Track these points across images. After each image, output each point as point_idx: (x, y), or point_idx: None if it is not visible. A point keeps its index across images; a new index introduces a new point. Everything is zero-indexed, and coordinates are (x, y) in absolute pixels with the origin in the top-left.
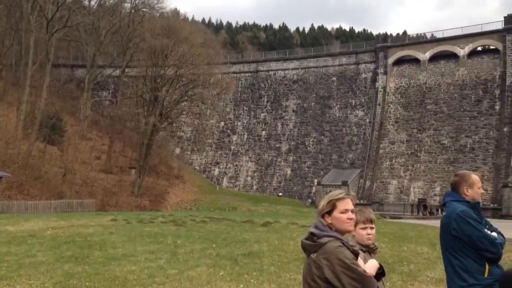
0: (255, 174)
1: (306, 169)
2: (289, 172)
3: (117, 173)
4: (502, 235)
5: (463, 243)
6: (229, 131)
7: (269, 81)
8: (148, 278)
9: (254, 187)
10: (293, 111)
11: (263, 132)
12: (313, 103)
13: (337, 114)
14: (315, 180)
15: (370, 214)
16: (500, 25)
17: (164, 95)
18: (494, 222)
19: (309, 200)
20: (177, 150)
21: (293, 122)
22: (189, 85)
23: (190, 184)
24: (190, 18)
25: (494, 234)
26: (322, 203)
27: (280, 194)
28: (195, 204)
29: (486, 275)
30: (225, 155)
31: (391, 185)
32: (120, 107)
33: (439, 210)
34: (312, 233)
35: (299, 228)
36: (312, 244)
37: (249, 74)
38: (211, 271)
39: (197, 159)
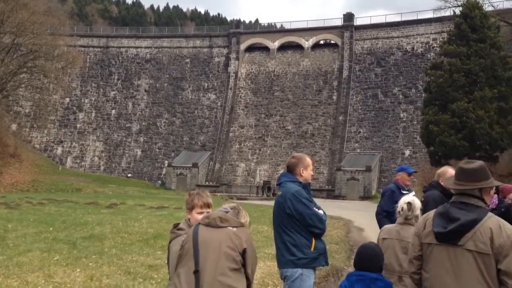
0: (103, 155)
1: (157, 150)
2: (139, 153)
3: None
4: (324, 212)
5: (295, 220)
6: (75, 108)
7: (120, 58)
8: None
9: (102, 167)
10: (145, 90)
11: (113, 111)
12: (166, 84)
13: (190, 96)
14: (166, 162)
15: (208, 198)
16: (340, 22)
17: None
18: (329, 202)
19: (159, 182)
20: (13, 127)
21: (145, 102)
22: (28, 56)
23: (28, 164)
24: None
25: (320, 211)
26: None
27: (130, 175)
28: (34, 185)
29: (312, 249)
30: (70, 134)
31: (239, 168)
32: None
33: None
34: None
35: (146, 209)
36: (236, 221)
37: (99, 49)
38: (44, 256)
39: (37, 137)
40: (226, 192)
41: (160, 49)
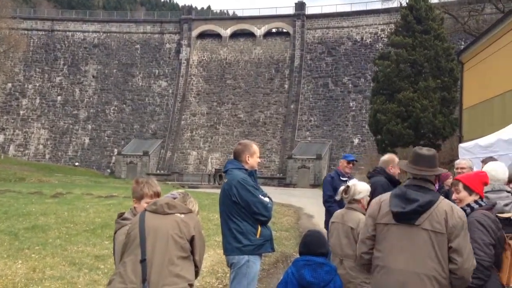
0: (48, 142)
1: (106, 138)
2: (87, 140)
3: None
4: (271, 200)
5: (241, 207)
6: (17, 94)
7: (66, 42)
8: None
9: (47, 156)
10: (93, 76)
11: (59, 97)
12: (115, 70)
13: (140, 83)
14: (115, 150)
15: (157, 187)
16: (291, 11)
17: None
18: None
19: (108, 170)
20: None
21: (92, 88)
22: None
23: None
24: None
25: (266, 199)
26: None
27: (77, 164)
28: None
29: (258, 236)
30: (12, 121)
31: (191, 156)
32: None
33: None
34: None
35: (94, 198)
36: (184, 207)
37: (43, 33)
38: None
39: None
40: (177, 181)
41: (108, 34)
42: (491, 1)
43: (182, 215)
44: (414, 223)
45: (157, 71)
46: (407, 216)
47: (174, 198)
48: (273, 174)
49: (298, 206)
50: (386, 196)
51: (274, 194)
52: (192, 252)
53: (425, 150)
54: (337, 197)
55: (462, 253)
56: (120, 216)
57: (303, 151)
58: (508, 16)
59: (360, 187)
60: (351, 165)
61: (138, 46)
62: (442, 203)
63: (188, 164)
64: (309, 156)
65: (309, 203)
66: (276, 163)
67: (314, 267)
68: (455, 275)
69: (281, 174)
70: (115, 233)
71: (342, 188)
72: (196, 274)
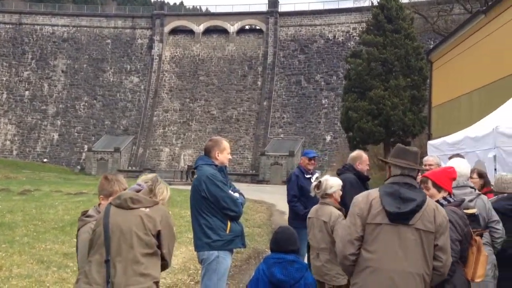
0: (16, 138)
1: (76, 134)
2: (56, 137)
3: None
4: (243, 196)
5: (210, 203)
6: None
7: (34, 36)
8: None
9: (14, 152)
10: (63, 71)
11: (27, 92)
12: (85, 65)
13: (111, 79)
14: (86, 146)
15: (126, 184)
16: (265, 8)
17: None
18: (253, 187)
19: (78, 167)
20: None
21: (62, 83)
22: None
23: None
24: None
25: (236, 194)
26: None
27: (45, 160)
28: None
29: (228, 232)
30: None
31: (163, 152)
32: None
33: None
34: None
35: (63, 195)
36: (149, 200)
37: (10, 26)
38: None
39: None
40: None
41: (78, 28)
42: (459, 2)
43: (147, 209)
44: (407, 223)
45: (128, 66)
46: (403, 216)
47: (139, 191)
48: (246, 171)
49: (271, 202)
50: (374, 194)
51: (247, 191)
52: (160, 246)
53: (409, 147)
54: (312, 194)
55: (447, 250)
56: (84, 213)
57: (276, 148)
58: (475, 17)
59: (332, 182)
60: (312, 161)
61: (109, 41)
62: (429, 201)
63: (161, 160)
64: (282, 153)
65: (281, 200)
66: (249, 160)
67: (284, 265)
68: (438, 272)
69: (254, 171)
70: (78, 230)
71: (314, 183)
72: (165, 266)
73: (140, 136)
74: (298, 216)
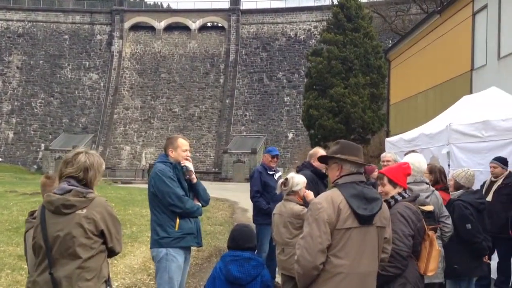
0: None
1: (32, 132)
2: (11, 135)
3: None
4: (207, 193)
5: (159, 199)
6: None
7: None
8: None
9: None
10: (18, 68)
11: None
12: (41, 61)
13: (69, 76)
14: (43, 145)
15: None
16: (226, 5)
17: None
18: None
19: (35, 166)
20: None
21: (17, 80)
22: None
23: None
24: None
25: (195, 202)
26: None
27: (0, 159)
28: None
29: (176, 229)
30: None
31: (124, 151)
32: None
33: None
34: (79, 191)
35: (18, 196)
36: (83, 200)
37: None
38: None
39: None
40: (110, 176)
41: (34, 23)
42: (416, 2)
43: (84, 210)
44: (372, 223)
45: (87, 63)
46: (371, 217)
47: (70, 191)
48: (208, 169)
49: (233, 200)
50: (337, 197)
51: (210, 189)
52: (105, 242)
53: (353, 142)
54: (277, 191)
55: (390, 241)
56: (32, 214)
57: (239, 146)
58: (430, 17)
59: (298, 179)
60: (275, 159)
61: (66, 36)
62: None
63: (121, 159)
64: (244, 150)
65: (243, 197)
66: (212, 157)
67: (241, 262)
68: (382, 263)
69: (217, 169)
70: (25, 232)
71: (281, 181)
72: (113, 253)
73: (100, 134)
74: (261, 212)
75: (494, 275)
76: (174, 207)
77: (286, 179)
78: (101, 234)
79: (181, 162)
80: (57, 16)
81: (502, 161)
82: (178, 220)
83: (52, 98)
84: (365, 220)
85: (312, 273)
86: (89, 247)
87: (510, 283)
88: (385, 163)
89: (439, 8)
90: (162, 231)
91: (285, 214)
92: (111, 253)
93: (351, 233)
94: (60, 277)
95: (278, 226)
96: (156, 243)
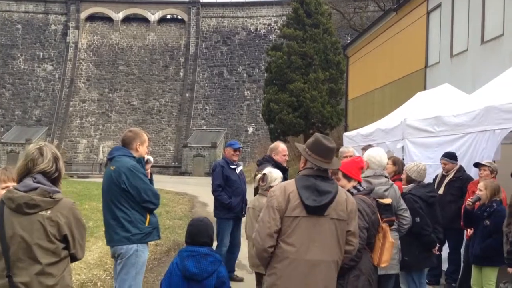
0: None
1: None
2: None
3: None
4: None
5: (130, 195)
6: None
7: None
8: None
9: None
10: None
11: None
12: None
13: (22, 66)
14: None
15: (14, 175)
16: None
17: None
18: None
19: None
20: None
21: None
22: None
23: None
24: None
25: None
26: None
27: None
28: None
29: (147, 224)
30: None
31: (80, 144)
32: None
33: None
34: (46, 190)
35: None
36: (49, 201)
37: None
38: None
39: None
40: (66, 170)
41: None
42: None
43: (48, 212)
44: (323, 214)
45: (41, 53)
46: (320, 209)
47: (36, 188)
48: (168, 163)
49: (193, 194)
50: (290, 187)
51: (170, 183)
52: (68, 247)
53: (329, 143)
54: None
55: (356, 234)
56: None
57: (198, 140)
58: (387, 14)
59: (275, 174)
60: (237, 152)
61: (19, 26)
62: (340, 190)
63: (78, 152)
64: (204, 144)
65: (203, 191)
66: (171, 151)
67: (198, 258)
68: (349, 255)
69: (176, 163)
70: None
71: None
72: (74, 260)
73: (55, 127)
74: (223, 206)
75: (446, 266)
76: (149, 203)
77: (264, 174)
78: (64, 239)
79: (145, 157)
80: (9, 4)
81: (451, 156)
82: (148, 216)
83: (4, 90)
84: (312, 211)
85: (263, 255)
86: (51, 251)
87: (460, 273)
88: (344, 158)
89: (395, 6)
90: (133, 228)
91: (257, 208)
92: (72, 259)
93: (299, 221)
94: (19, 284)
95: (252, 220)
96: (125, 240)
